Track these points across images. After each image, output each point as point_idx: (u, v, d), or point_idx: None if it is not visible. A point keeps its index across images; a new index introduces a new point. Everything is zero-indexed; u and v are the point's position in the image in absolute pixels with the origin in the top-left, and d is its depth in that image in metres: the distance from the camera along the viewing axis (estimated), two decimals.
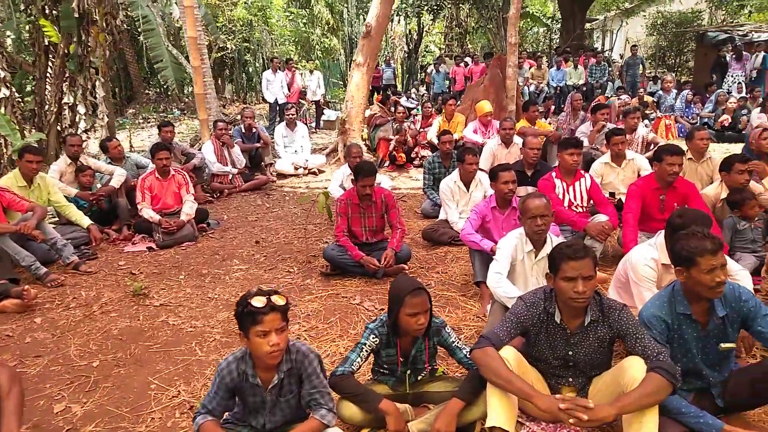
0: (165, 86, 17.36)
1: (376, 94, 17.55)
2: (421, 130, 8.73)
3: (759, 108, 9.88)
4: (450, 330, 2.69)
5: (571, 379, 2.53)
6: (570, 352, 2.48)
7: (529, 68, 15.21)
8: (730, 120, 9.64)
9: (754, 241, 4.05)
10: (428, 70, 17.99)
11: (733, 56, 12.87)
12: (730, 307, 2.40)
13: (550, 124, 8.89)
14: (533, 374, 2.54)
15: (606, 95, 12.25)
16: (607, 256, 4.82)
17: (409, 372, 2.69)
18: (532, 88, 14.59)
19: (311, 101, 13.70)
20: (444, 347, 2.71)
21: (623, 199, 5.15)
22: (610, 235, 4.51)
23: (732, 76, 12.63)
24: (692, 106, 10.60)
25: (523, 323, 2.47)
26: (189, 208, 5.93)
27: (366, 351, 2.59)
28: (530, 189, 5.50)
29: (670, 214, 3.16)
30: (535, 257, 3.38)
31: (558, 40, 19.85)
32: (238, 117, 11.88)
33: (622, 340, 2.40)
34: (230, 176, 7.73)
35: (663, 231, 3.21)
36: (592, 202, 4.85)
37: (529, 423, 2.60)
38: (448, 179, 5.43)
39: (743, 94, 11.09)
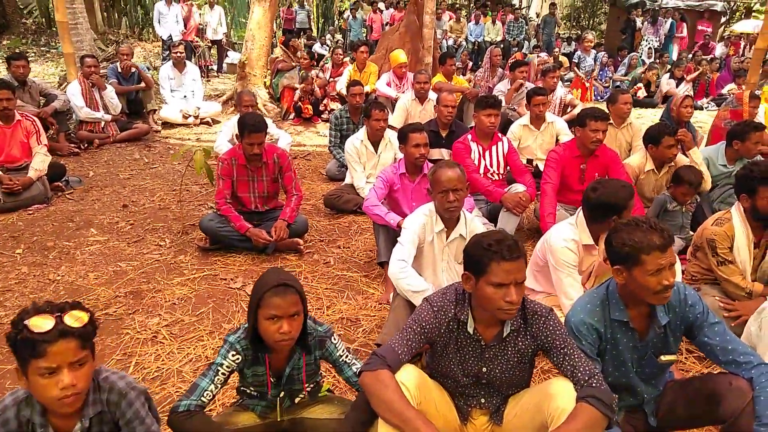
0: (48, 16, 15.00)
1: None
2: (331, 79, 7.91)
3: (668, 74, 9.97)
4: (338, 341, 2.10)
5: (483, 400, 2.04)
6: (484, 369, 1.97)
7: (449, 20, 14.63)
8: (643, 89, 9.63)
9: (683, 227, 3.78)
10: (345, 15, 16.92)
11: (649, 20, 12.98)
12: (673, 313, 1.99)
13: (469, 81, 8.39)
14: (438, 397, 2.02)
15: (523, 53, 11.94)
16: (523, 229, 4.43)
17: (282, 394, 2.08)
18: (450, 42, 14.07)
19: (210, 40, 12.28)
20: (329, 363, 2.12)
21: (541, 166, 4.78)
22: (528, 207, 4.09)
23: (645, 40, 12.75)
24: (606, 69, 10.54)
25: (429, 333, 1.92)
26: (39, 163, 4.84)
27: (223, 374, 1.94)
28: (445, 153, 4.99)
29: (586, 188, 2.75)
30: (447, 238, 2.84)
31: None
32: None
33: (547, 354, 1.91)
34: (102, 124, 6.57)
35: (582, 209, 2.80)
36: (508, 168, 4.41)
37: None
38: (354, 138, 4.77)
39: (653, 60, 11.18)
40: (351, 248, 4.06)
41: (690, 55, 11.93)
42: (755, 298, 2.83)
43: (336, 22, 19.26)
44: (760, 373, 1.82)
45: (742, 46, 13.50)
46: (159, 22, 11.28)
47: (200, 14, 12.60)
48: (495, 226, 4.07)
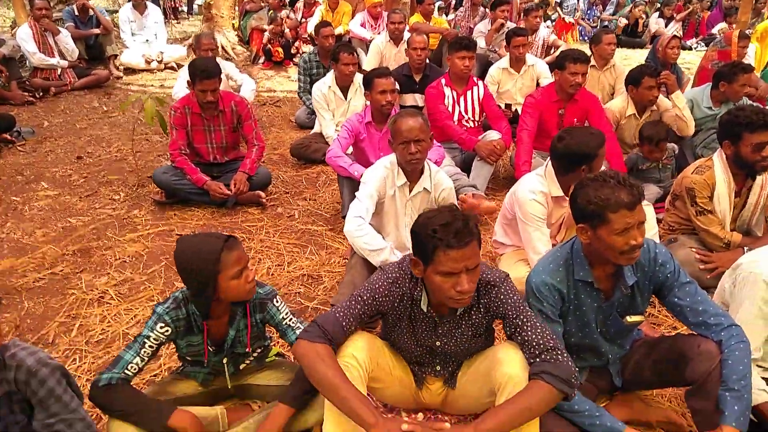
0: None
1: None
2: (303, 20, 7.47)
3: (657, 12, 9.59)
4: (280, 303, 1.94)
5: (438, 368, 1.92)
6: (438, 343, 1.83)
7: None
8: (622, 20, 9.25)
9: (660, 181, 3.60)
10: None
11: None
12: (642, 272, 1.84)
13: (450, 22, 7.98)
14: (393, 363, 1.90)
15: None
16: (498, 178, 4.24)
17: (226, 360, 1.94)
18: None
19: None
20: (272, 326, 1.96)
21: (520, 111, 4.55)
22: (502, 155, 3.90)
23: None
24: (594, 8, 10.10)
25: (381, 305, 1.75)
26: None
27: (150, 347, 1.78)
28: (419, 98, 4.73)
29: (554, 137, 2.55)
30: (410, 192, 2.65)
31: None
32: None
33: (502, 321, 1.76)
34: (59, 71, 6.16)
35: (550, 159, 2.61)
36: (484, 115, 4.18)
37: None
38: (321, 83, 4.48)
39: None
40: (317, 200, 3.87)
41: None
42: (733, 249, 2.70)
43: None
44: (730, 336, 1.70)
45: None
46: None
47: None
48: (469, 175, 3.89)
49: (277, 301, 1.93)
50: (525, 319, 1.67)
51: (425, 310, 1.75)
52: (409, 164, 2.55)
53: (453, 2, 11.22)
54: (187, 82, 3.63)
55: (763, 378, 1.85)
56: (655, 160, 3.58)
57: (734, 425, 1.57)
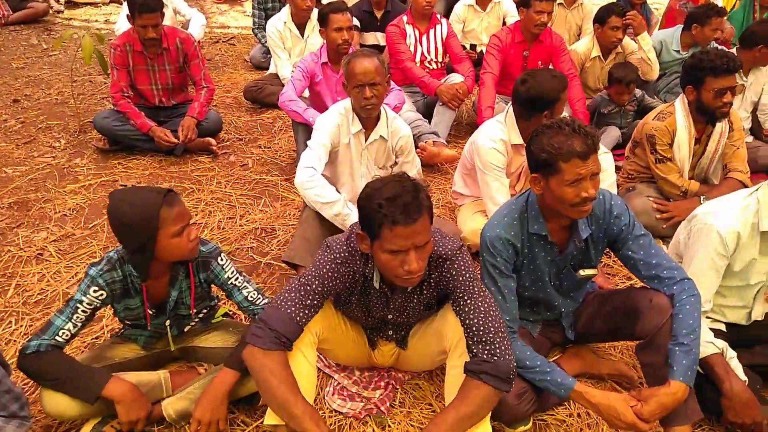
0: None
1: None
2: None
3: None
4: (226, 262, 1.83)
5: (390, 332, 1.87)
6: (390, 316, 1.77)
7: None
8: None
9: (621, 126, 3.53)
10: None
11: None
12: (596, 225, 1.79)
13: None
14: (346, 327, 1.84)
15: None
16: (461, 124, 4.13)
17: (168, 322, 1.85)
18: None
19: None
20: (217, 286, 1.87)
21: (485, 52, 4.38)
22: (465, 100, 3.76)
23: None
24: None
25: (332, 289, 1.63)
26: None
27: (83, 311, 1.66)
28: (380, 36, 4.50)
29: (516, 80, 2.44)
30: (366, 140, 2.52)
31: None
32: None
33: (450, 296, 1.68)
34: None
35: (511, 104, 2.52)
36: (448, 56, 4.00)
37: (337, 375, 1.97)
38: (276, 19, 4.19)
39: None
40: (273, 148, 3.69)
41: None
42: (690, 198, 2.69)
43: None
44: (682, 290, 1.68)
45: None
46: None
47: None
48: (430, 120, 3.76)
49: (222, 260, 1.83)
50: (471, 302, 1.58)
51: (377, 287, 1.67)
52: (363, 110, 2.41)
53: None
54: (127, 16, 3.33)
55: (711, 329, 1.87)
56: (621, 103, 3.51)
57: (681, 379, 1.57)
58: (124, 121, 3.40)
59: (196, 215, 2.93)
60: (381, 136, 2.53)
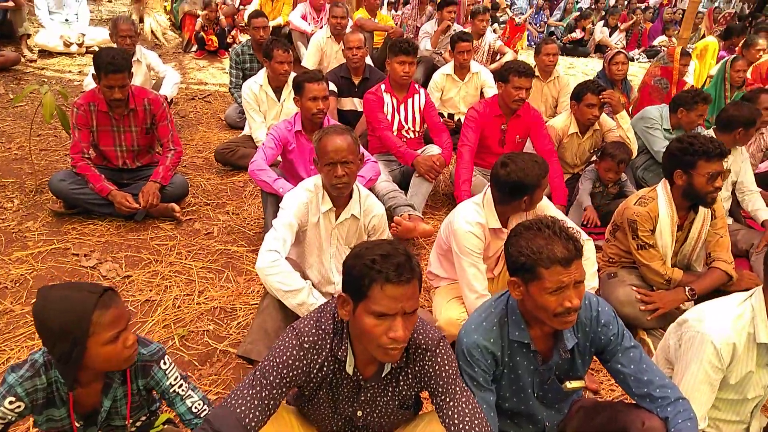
0: None
1: None
2: (241, 7, 6.99)
3: (602, 21, 9.67)
4: (169, 366, 1.61)
5: None
6: (359, 413, 1.57)
7: None
8: (578, 37, 9.26)
9: (599, 206, 3.48)
10: None
11: None
12: (583, 333, 1.65)
13: (395, 18, 7.71)
14: None
15: None
16: (438, 194, 4.02)
17: None
18: None
19: None
20: (158, 393, 1.64)
21: (463, 120, 4.35)
22: (442, 172, 3.67)
23: None
24: (541, 12, 10.08)
25: (295, 380, 1.45)
26: None
27: None
28: (358, 102, 4.45)
29: (494, 163, 2.36)
30: (336, 219, 2.37)
31: None
32: None
33: (429, 394, 1.52)
34: None
35: (489, 187, 2.41)
36: (425, 125, 3.94)
37: None
38: (252, 82, 4.10)
39: (589, 6, 10.82)
40: (241, 215, 3.52)
41: (626, 1, 11.68)
42: (674, 288, 2.58)
43: None
44: (676, 412, 1.53)
45: None
46: None
47: None
48: (407, 192, 3.65)
49: (165, 363, 1.61)
50: (454, 404, 1.44)
51: (351, 373, 1.48)
52: (335, 189, 2.27)
53: None
54: (93, 75, 3.20)
55: None
56: (607, 181, 3.46)
57: None
58: (82, 183, 3.20)
59: (150, 291, 2.71)
60: (353, 214, 2.39)
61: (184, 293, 2.72)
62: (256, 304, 2.65)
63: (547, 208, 2.52)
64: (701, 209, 2.59)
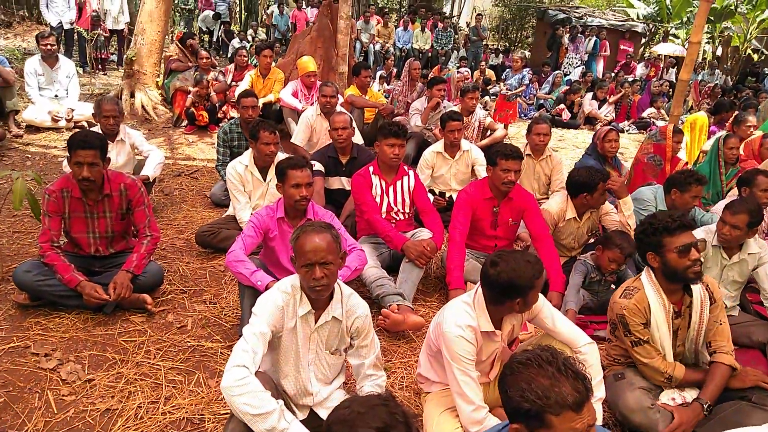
0: None
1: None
2: (234, 83, 7.05)
3: (590, 94, 9.85)
4: None
5: None
6: None
7: (377, 24, 14.05)
8: (567, 111, 9.41)
9: (597, 293, 3.31)
10: (269, 11, 15.99)
11: (569, 37, 12.98)
12: None
13: (386, 92, 7.81)
14: None
15: (449, 65, 11.56)
16: (430, 277, 3.83)
17: None
18: (377, 47, 13.50)
19: (109, 30, 11.00)
20: None
21: (455, 197, 4.24)
22: (433, 257, 3.50)
23: (568, 58, 12.73)
24: (531, 86, 10.29)
25: None
26: None
27: None
28: (345, 182, 4.34)
29: (485, 261, 2.20)
30: (316, 322, 2.17)
31: None
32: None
33: None
34: None
35: (480, 286, 2.24)
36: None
37: None
38: (237, 162, 3.99)
39: (577, 79, 11.08)
40: (220, 304, 3.30)
41: (613, 74, 11.99)
42: (693, 408, 2.34)
43: (260, 17, 18.21)
44: None
45: (661, 68, 13.81)
46: (47, 6, 9.98)
47: (98, 1, 11.25)
48: (396, 276, 3.46)
49: None
50: None
51: None
52: (313, 291, 2.08)
53: (394, 71, 11.20)
54: (67, 158, 3.08)
55: None
56: (606, 270, 3.29)
57: None
58: (49, 274, 3.00)
59: (111, 398, 2.45)
60: (334, 316, 2.18)
61: (149, 400, 2.46)
62: (226, 413, 2.40)
63: (543, 308, 2.33)
64: (695, 290, 2.41)
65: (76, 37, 10.35)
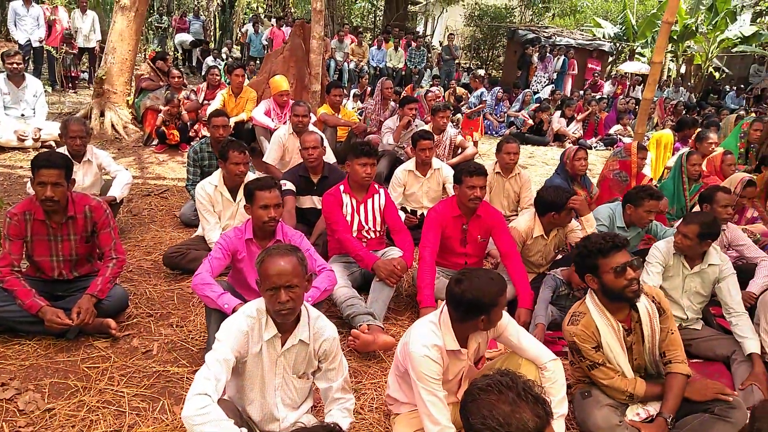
0: None
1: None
2: (205, 102, 7.01)
3: (559, 111, 10.06)
4: None
5: None
6: None
7: (351, 43, 14.18)
8: (531, 122, 9.63)
9: (564, 308, 3.35)
10: (243, 29, 16.01)
11: (538, 56, 13.29)
12: None
13: (359, 110, 7.86)
14: None
15: (422, 84, 11.71)
16: (401, 296, 3.83)
17: None
18: (352, 65, 13.61)
19: (79, 47, 10.88)
20: None
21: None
22: (403, 276, 3.51)
23: (537, 76, 13.01)
24: (501, 104, 10.48)
25: None
26: None
27: None
28: (317, 200, 4.34)
29: (450, 279, 2.24)
30: (282, 346, 2.15)
31: (381, 18, 19.21)
32: None
33: None
34: None
35: (446, 304, 2.26)
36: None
37: None
38: (206, 182, 3.96)
39: (546, 98, 11.31)
40: (187, 327, 3.24)
41: (581, 92, 12.29)
42: (658, 424, 2.38)
43: (235, 36, 18.21)
44: None
45: (628, 86, 14.21)
46: (15, 24, 9.84)
47: (71, 18, 11.13)
48: (367, 293, 3.46)
49: None
50: None
51: None
52: (278, 315, 2.07)
53: (369, 89, 11.29)
54: (30, 179, 3.02)
55: None
56: (576, 286, 3.34)
57: None
58: (9, 300, 2.91)
59: (72, 428, 2.38)
60: (301, 340, 2.17)
61: (111, 429, 2.39)
62: None
63: (508, 326, 2.36)
64: (641, 305, 2.45)
65: (45, 55, 10.21)
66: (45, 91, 8.41)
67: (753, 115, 10.19)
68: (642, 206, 3.46)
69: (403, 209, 4.72)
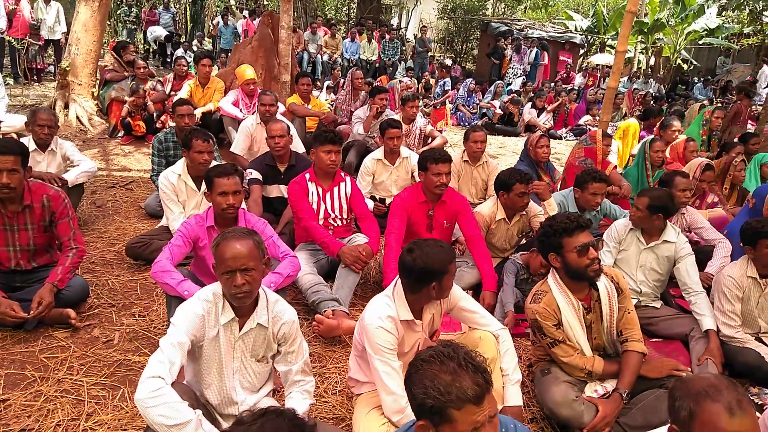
0: None
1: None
2: (172, 93, 6.90)
3: (530, 103, 10.17)
4: None
5: None
6: None
7: (324, 35, 14.10)
8: (501, 113, 9.73)
9: (525, 291, 3.41)
10: (215, 21, 15.79)
11: (513, 48, 13.38)
12: None
13: (331, 102, 7.82)
14: None
15: (396, 76, 11.72)
16: (369, 283, 3.85)
17: None
18: (325, 57, 13.54)
19: (45, 39, 10.60)
20: None
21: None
22: (369, 262, 3.52)
23: (512, 68, 13.11)
24: (473, 95, 10.54)
25: None
26: None
27: None
28: (284, 189, 4.31)
29: (402, 250, 2.27)
30: (240, 330, 2.14)
31: (355, 11, 19.14)
32: None
33: None
34: None
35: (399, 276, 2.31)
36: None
37: None
38: (170, 171, 3.91)
39: (517, 89, 11.42)
40: (149, 317, 3.21)
41: (552, 84, 12.43)
42: (613, 400, 2.43)
43: (206, 28, 17.94)
44: None
45: (598, 77, 14.41)
46: None
47: (34, 9, 10.84)
48: (334, 280, 3.47)
49: None
50: None
51: None
52: (235, 298, 2.06)
53: (342, 81, 11.24)
54: None
55: None
56: (535, 273, 3.39)
57: None
58: None
59: (28, 417, 2.34)
60: (259, 323, 2.16)
61: (69, 418, 2.36)
62: None
63: (461, 298, 2.41)
64: (601, 285, 2.51)
65: (7, 46, 9.93)
66: (7, 84, 8.22)
67: (718, 104, 10.44)
68: (587, 189, 3.55)
69: (372, 198, 4.73)
